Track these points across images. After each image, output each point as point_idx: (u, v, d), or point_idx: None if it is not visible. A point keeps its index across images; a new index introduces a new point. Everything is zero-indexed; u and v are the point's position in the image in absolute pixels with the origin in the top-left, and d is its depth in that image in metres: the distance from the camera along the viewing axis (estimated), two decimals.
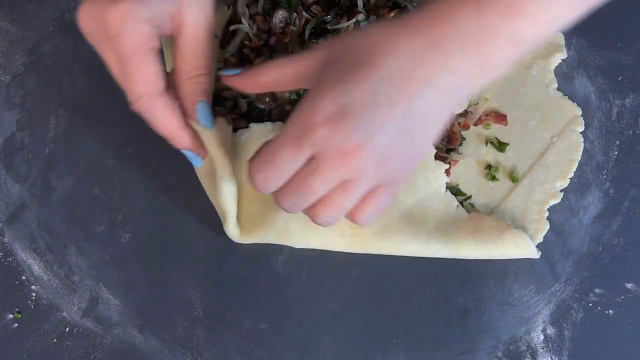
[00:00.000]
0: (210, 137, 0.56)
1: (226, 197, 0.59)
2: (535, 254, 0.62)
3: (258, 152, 0.50)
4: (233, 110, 0.64)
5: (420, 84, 0.46)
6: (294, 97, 0.64)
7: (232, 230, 0.61)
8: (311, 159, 0.48)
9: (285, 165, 0.48)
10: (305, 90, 0.57)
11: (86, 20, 0.51)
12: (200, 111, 0.54)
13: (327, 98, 0.46)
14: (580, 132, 0.66)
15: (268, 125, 0.62)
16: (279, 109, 0.63)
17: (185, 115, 0.54)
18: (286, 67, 0.51)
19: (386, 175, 0.48)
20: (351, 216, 0.51)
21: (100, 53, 0.52)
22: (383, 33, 0.47)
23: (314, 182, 0.47)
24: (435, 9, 0.47)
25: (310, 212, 0.51)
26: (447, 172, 0.64)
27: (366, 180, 0.48)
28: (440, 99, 0.47)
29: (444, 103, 0.47)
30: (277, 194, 0.50)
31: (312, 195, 0.48)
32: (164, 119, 0.53)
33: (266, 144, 0.50)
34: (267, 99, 0.64)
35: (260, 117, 0.64)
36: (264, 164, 0.49)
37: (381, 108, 0.46)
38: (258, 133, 0.61)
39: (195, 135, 0.56)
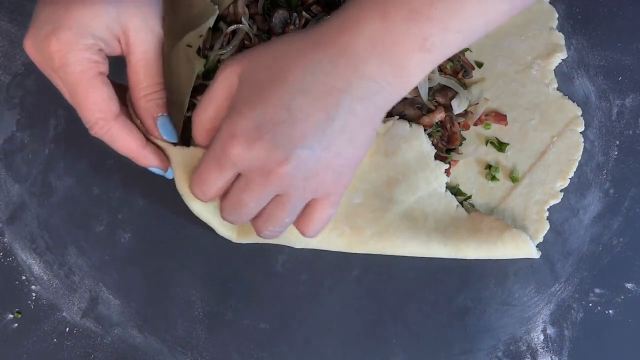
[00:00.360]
0: (174, 153, 0.56)
1: (200, 212, 0.59)
2: (535, 254, 0.62)
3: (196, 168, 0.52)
4: None
5: (335, 93, 0.46)
6: None
7: (226, 233, 0.61)
8: (239, 175, 0.49)
9: (214, 183, 0.50)
10: None
11: (31, 49, 0.50)
12: (162, 127, 0.54)
13: (243, 118, 0.47)
14: (580, 132, 0.66)
15: None
16: None
17: (147, 132, 0.55)
18: (211, 99, 0.51)
19: (321, 188, 0.49)
20: (298, 229, 0.53)
21: (52, 81, 0.52)
22: (295, 48, 0.47)
23: (245, 198, 0.49)
24: (342, 18, 0.47)
25: (254, 225, 0.53)
26: (447, 172, 0.64)
27: (299, 194, 0.49)
28: (361, 106, 0.47)
29: (367, 110, 0.47)
30: (220, 208, 0.53)
31: (246, 209, 0.50)
32: (123, 141, 0.53)
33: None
34: None
35: None
36: (198, 182, 0.51)
37: (299, 123, 0.46)
38: None
39: (159, 150, 0.56)
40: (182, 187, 0.57)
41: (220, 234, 0.61)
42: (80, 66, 0.49)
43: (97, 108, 0.51)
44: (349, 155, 0.48)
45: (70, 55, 0.48)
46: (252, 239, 0.62)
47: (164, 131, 0.54)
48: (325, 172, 0.48)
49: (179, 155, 0.56)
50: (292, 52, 0.47)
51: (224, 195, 0.52)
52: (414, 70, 0.48)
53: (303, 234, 0.53)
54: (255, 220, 0.52)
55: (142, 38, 0.51)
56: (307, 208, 0.51)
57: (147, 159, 0.55)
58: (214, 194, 0.51)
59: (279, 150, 0.46)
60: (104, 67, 0.51)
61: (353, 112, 0.47)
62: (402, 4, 0.46)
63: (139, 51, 0.51)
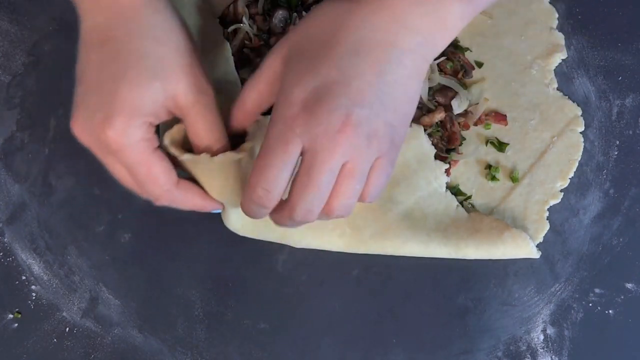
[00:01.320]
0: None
1: (233, 223, 0.60)
2: (535, 254, 0.62)
3: (250, 175, 0.48)
4: None
5: (385, 47, 0.46)
6: None
7: (235, 223, 0.61)
8: (303, 156, 0.47)
9: (278, 169, 0.46)
10: None
11: (81, 133, 0.50)
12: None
13: (297, 87, 0.46)
14: (580, 132, 0.66)
15: None
16: None
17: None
18: (256, 83, 0.51)
19: (382, 146, 0.48)
20: (364, 192, 0.50)
21: (104, 163, 0.52)
22: (337, 11, 0.48)
23: (318, 174, 0.46)
24: None
25: (324, 210, 0.49)
26: (447, 172, 0.64)
27: (365, 156, 0.47)
28: (409, 59, 0.47)
29: (414, 62, 0.48)
30: (289, 206, 0.48)
31: (321, 190, 0.47)
32: (188, 202, 0.54)
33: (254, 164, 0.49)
34: None
35: None
36: (258, 178, 0.47)
37: (353, 81, 0.45)
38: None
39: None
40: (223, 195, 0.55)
41: (226, 222, 0.62)
42: (137, 148, 0.49)
43: (160, 182, 0.51)
44: (403, 109, 0.48)
45: (126, 140, 0.48)
46: (254, 234, 0.61)
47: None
48: (384, 128, 0.47)
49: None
50: (334, 15, 0.47)
51: (290, 190, 0.48)
52: (455, 22, 0.48)
53: (364, 199, 0.49)
54: (327, 202, 0.49)
55: (193, 101, 0.50)
56: (370, 171, 0.49)
57: (212, 205, 0.56)
58: (281, 186, 0.47)
59: (339, 110, 0.45)
60: (156, 141, 0.51)
61: (403, 65, 0.47)
62: None
63: (192, 114, 0.51)
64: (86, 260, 0.65)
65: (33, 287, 0.65)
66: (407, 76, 0.47)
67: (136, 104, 0.48)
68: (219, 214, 0.63)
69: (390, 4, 0.47)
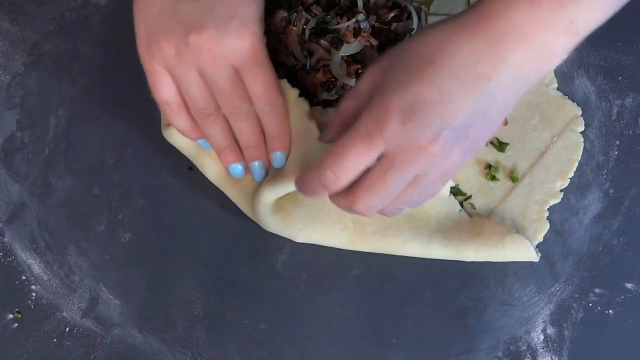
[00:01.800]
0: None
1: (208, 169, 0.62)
2: (535, 258, 0.62)
3: (325, 155, 0.50)
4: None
5: (482, 79, 0.47)
6: None
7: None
8: (381, 159, 0.49)
9: (355, 163, 0.49)
10: None
11: (211, 43, 0.52)
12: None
13: (396, 96, 0.47)
14: (580, 132, 0.66)
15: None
16: None
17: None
18: (355, 92, 0.52)
19: (451, 168, 0.50)
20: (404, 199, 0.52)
21: (214, 64, 0.54)
22: (444, 34, 0.48)
23: (391, 181, 0.48)
24: (489, 5, 0.47)
25: (385, 208, 0.52)
26: None
27: (435, 174, 0.49)
28: (503, 92, 0.48)
29: (506, 96, 0.48)
30: (353, 196, 0.50)
31: (388, 193, 0.49)
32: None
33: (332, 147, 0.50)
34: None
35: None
36: (333, 162, 0.49)
37: (449, 104, 0.47)
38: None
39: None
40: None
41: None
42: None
43: (273, 92, 0.56)
44: (480, 139, 0.50)
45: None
46: (260, 210, 0.61)
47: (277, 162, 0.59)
48: (460, 153, 0.49)
49: None
50: (440, 36, 0.48)
51: (358, 183, 0.50)
52: (559, 54, 0.48)
53: (411, 206, 0.53)
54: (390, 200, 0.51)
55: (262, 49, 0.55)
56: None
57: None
58: (349, 178, 0.50)
59: (431, 129, 0.46)
60: None
61: (495, 99, 0.48)
62: None
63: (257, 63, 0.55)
64: (86, 260, 0.65)
65: (33, 287, 0.65)
66: (496, 109, 0.48)
67: (255, 14, 0.53)
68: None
69: (497, 39, 0.47)
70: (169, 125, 0.62)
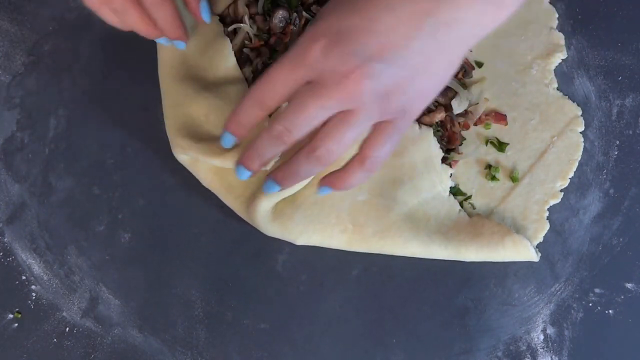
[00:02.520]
0: None
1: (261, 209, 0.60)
2: (535, 258, 0.62)
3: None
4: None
5: (420, 15, 0.45)
6: None
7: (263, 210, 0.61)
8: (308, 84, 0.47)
9: (279, 85, 0.48)
10: None
11: None
12: (203, 8, 0.58)
13: (324, 24, 0.46)
14: (580, 132, 0.66)
15: None
16: None
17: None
18: None
19: (389, 110, 0.47)
20: (362, 153, 0.49)
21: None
22: None
23: (310, 102, 0.46)
24: None
25: (310, 145, 0.49)
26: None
27: (368, 112, 0.47)
28: (442, 33, 0.45)
29: (449, 39, 0.46)
30: (272, 121, 0.49)
31: (307, 117, 0.47)
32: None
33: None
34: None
35: None
36: (259, 85, 0.49)
37: (379, 35, 0.45)
38: None
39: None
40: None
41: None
42: None
43: None
44: (422, 82, 0.47)
45: None
46: (258, 215, 0.61)
47: (204, 10, 0.58)
48: (395, 93, 0.46)
49: None
50: None
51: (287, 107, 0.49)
52: (509, 5, 0.46)
53: (363, 163, 0.49)
54: (313, 139, 0.49)
55: None
56: (373, 131, 0.49)
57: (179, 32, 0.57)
58: (278, 98, 0.48)
59: (356, 57, 0.44)
60: None
61: (434, 37, 0.45)
62: None
63: None
64: (86, 260, 0.65)
65: (33, 287, 0.65)
66: (436, 49, 0.46)
67: None
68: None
69: None
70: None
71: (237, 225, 0.65)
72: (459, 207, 0.63)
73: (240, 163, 0.53)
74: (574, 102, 0.67)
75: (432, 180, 0.62)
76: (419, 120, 0.64)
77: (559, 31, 0.68)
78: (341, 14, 0.46)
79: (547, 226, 0.64)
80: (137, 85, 0.67)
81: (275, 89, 0.48)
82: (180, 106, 0.63)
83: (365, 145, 0.50)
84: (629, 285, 0.64)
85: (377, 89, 0.45)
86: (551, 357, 0.64)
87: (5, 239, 0.66)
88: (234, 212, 0.63)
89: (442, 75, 0.48)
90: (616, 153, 0.66)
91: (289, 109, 0.48)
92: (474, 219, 0.63)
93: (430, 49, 0.46)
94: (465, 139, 0.66)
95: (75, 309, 0.64)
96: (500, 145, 0.66)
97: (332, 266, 0.64)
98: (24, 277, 0.65)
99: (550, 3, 0.68)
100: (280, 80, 0.48)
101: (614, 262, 0.64)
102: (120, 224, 0.66)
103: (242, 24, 0.64)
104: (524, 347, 0.64)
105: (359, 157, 0.50)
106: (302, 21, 0.64)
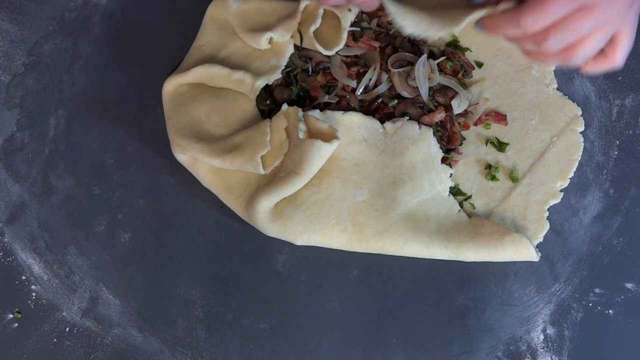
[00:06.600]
0: None
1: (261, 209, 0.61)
2: (535, 258, 0.62)
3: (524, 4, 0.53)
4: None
5: None
6: (293, 97, 0.64)
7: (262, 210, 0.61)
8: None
9: (557, 7, 0.51)
10: None
11: None
12: None
13: None
14: (580, 132, 0.66)
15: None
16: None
17: None
18: None
19: (620, 19, 0.53)
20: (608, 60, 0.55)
21: None
22: None
23: (585, 22, 0.51)
24: None
25: (568, 51, 0.54)
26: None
27: (619, 23, 0.52)
28: None
29: None
30: (544, 33, 0.53)
31: (577, 33, 0.52)
32: None
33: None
34: (268, 102, 0.64)
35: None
36: (534, 8, 0.51)
37: None
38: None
39: None
40: None
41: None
42: None
43: None
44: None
45: None
46: (259, 215, 0.61)
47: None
48: (623, 10, 0.52)
49: None
50: None
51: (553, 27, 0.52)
52: None
53: (614, 61, 0.55)
54: (573, 46, 0.53)
55: None
56: (613, 37, 0.54)
57: None
58: (549, 20, 0.51)
59: None
60: None
61: None
62: None
63: None
64: (86, 260, 0.65)
65: (33, 287, 0.65)
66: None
67: None
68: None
69: None
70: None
71: (237, 225, 0.65)
72: (459, 207, 0.63)
73: (489, 23, 0.56)
74: (573, 102, 0.67)
75: (432, 181, 0.62)
76: (419, 120, 0.64)
77: None
78: None
79: (547, 226, 0.64)
80: (137, 85, 0.67)
81: (551, 12, 0.51)
82: (182, 105, 0.63)
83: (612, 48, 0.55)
84: (629, 285, 0.64)
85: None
86: (551, 357, 0.64)
87: (5, 239, 0.66)
88: (234, 212, 0.63)
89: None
90: (616, 153, 0.66)
91: (564, 26, 0.51)
92: (473, 219, 0.63)
93: None
94: (465, 139, 0.66)
95: (75, 309, 0.64)
96: (500, 145, 0.66)
97: (332, 266, 0.64)
98: (24, 277, 0.65)
99: None
100: (560, 5, 0.51)
101: (614, 262, 0.64)
102: (120, 224, 0.66)
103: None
104: (524, 347, 0.64)
105: (610, 56, 0.56)
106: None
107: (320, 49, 0.62)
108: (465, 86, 0.65)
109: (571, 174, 0.65)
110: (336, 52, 0.63)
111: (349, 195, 0.62)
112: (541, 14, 0.52)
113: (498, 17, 0.55)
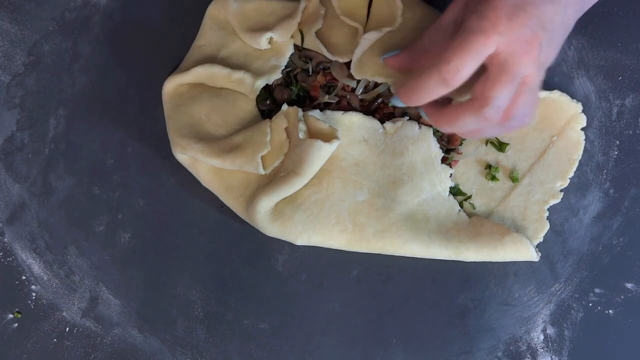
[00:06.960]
0: None
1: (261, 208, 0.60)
2: (535, 257, 0.62)
3: (441, 54, 0.52)
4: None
5: None
6: (293, 97, 0.64)
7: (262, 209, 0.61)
8: (493, 60, 0.51)
9: (476, 55, 0.50)
10: None
11: None
12: None
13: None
14: (581, 129, 0.66)
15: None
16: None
17: None
18: (440, 26, 0.55)
19: (542, 72, 0.53)
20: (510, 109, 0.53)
21: None
22: None
23: (511, 77, 0.51)
24: None
25: (505, 115, 0.53)
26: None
27: (537, 76, 0.52)
28: (571, 9, 0.53)
29: (573, 14, 0.54)
30: (480, 99, 0.52)
31: (509, 91, 0.51)
32: None
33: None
34: (268, 102, 0.64)
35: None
36: (455, 54, 0.51)
37: (544, 7, 0.51)
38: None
39: None
40: None
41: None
42: None
43: None
44: (553, 52, 0.54)
45: None
46: (259, 214, 0.61)
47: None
48: (547, 59, 0.53)
49: None
50: None
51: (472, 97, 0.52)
52: None
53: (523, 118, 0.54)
54: (505, 113, 0.53)
55: None
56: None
57: None
58: (469, 70, 0.51)
59: (531, 28, 0.50)
60: None
61: (566, 12, 0.53)
62: None
63: None
64: (86, 260, 0.65)
65: (33, 287, 0.65)
66: (565, 23, 0.53)
67: None
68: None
69: None
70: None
71: (237, 225, 0.65)
72: (459, 207, 0.63)
73: (398, 94, 0.55)
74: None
75: (432, 180, 0.62)
76: (419, 120, 0.64)
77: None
78: None
79: (547, 226, 0.64)
80: (137, 85, 0.67)
81: (470, 61, 0.51)
82: (182, 105, 0.63)
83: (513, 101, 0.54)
84: (629, 285, 0.64)
85: (541, 55, 0.51)
86: (551, 357, 0.64)
87: (5, 239, 0.66)
88: (234, 212, 0.63)
89: (560, 44, 0.54)
90: (616, 153, 0.66)
91: (495, 83, 0.51)
92: (473, 219, 0.63)
93: (563, 21, 0.53)
94: (465, 139, 0.66)
95: (75, 309, 0.64)
96: (500, 145, 0.66)
97: (332, 266, 0.64)
98: (24, 277, 0.65)
99: None
100: (475, 51, 0.50)
101: (614, 262, 0.65)
102: (120, 224, 0.66)
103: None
104: (524, 347, 0.64)
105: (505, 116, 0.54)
106: None
107: (325, 53, 0.62)
108: None
109: (571, 174, 0.65)
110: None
111: (349, 195, 0.62)
112: (461, 60, 0.51)
113: (418, 78, 0.53)
